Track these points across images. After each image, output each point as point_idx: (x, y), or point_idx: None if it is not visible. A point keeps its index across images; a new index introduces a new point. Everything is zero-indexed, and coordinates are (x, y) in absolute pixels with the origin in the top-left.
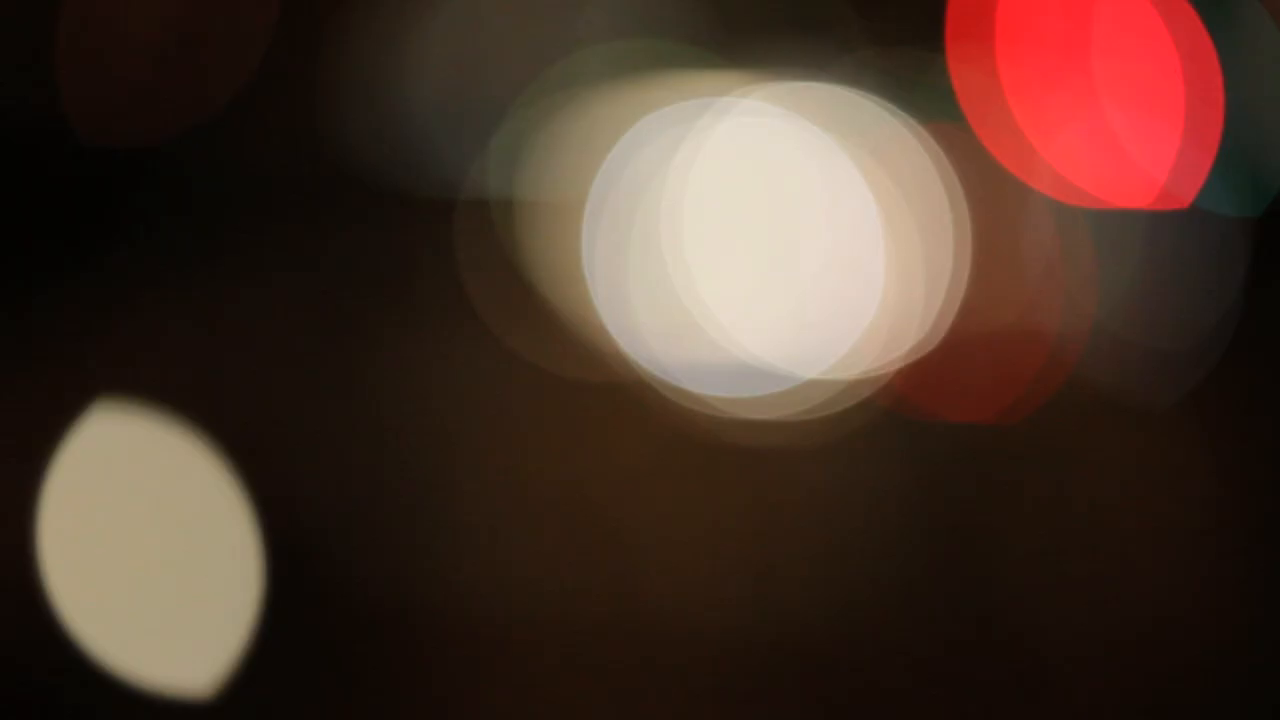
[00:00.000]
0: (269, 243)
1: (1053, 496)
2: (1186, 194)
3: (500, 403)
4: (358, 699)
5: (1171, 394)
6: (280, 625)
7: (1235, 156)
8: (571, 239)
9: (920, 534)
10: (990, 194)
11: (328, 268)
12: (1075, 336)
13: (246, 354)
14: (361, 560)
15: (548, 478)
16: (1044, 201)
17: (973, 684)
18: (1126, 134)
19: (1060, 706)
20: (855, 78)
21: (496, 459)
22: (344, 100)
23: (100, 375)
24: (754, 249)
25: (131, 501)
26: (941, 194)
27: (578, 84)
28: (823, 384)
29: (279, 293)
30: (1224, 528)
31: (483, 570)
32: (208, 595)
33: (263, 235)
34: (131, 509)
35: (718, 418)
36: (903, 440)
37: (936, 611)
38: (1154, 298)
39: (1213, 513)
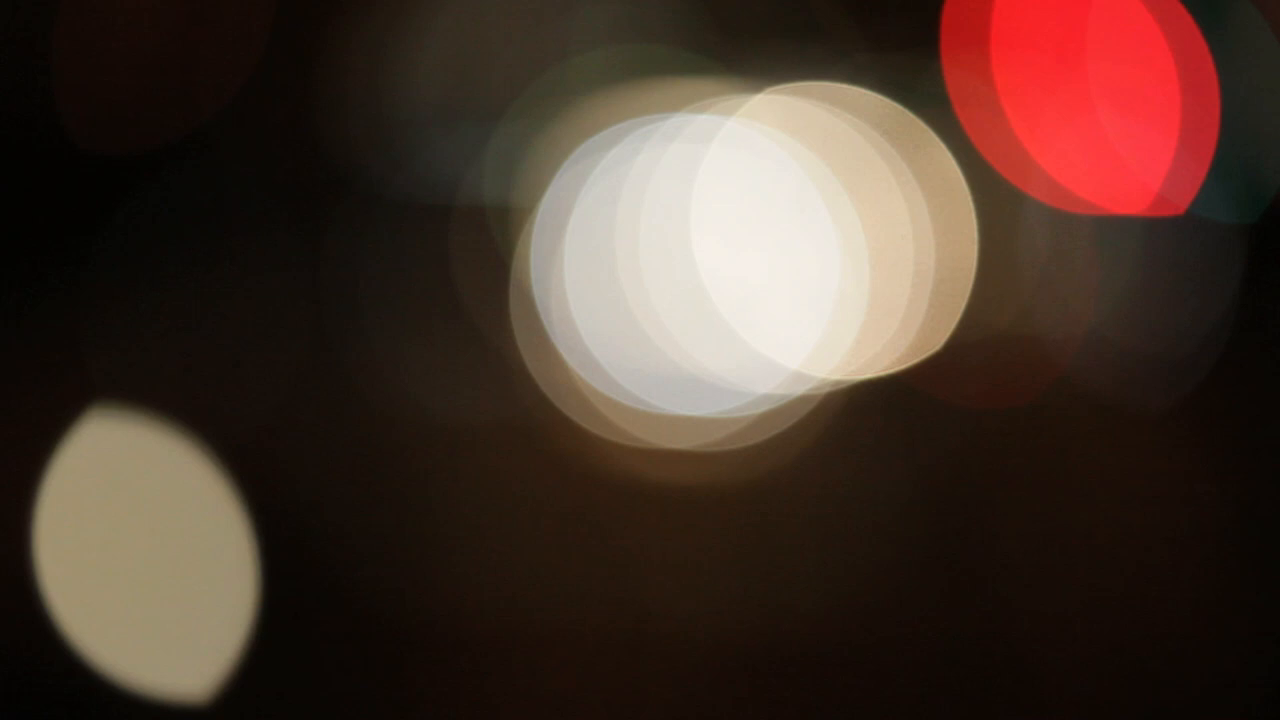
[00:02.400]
0: (264, 248)
1: (1049, 500)
2: (1182, 200)
3: (495, 408)
4: (354, 704)
5: (1167, 399)
6: (276, 629)
7: (1231, 162)
8: (562, 244)
9: (917, 538)
10: (985, 200)
11: (323, 273)
12: (1071, 342)
13: (242, 359)
14: (357, 564)
15: (544, 482)
16: (1039, 208)
17: (968, 687)
18: (1122, 140)
19: (1057, 708)
20: (850, 83)
21: (492, 463)
22: (339, 105)
23: (95, 380)
24: (747, 257)
25: (127, 506)
26: (935, 200)
27: (573, 89)
28: (819, 387)
29: (274, 298)
30: (1220, 532)
31: (479, 574)
32: (204, 599)
33: (258, 240)
34: (127, 513)
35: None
36: (901, 445)
37: (933, 614)
38: (1150, 304)
39: (1209, 517)
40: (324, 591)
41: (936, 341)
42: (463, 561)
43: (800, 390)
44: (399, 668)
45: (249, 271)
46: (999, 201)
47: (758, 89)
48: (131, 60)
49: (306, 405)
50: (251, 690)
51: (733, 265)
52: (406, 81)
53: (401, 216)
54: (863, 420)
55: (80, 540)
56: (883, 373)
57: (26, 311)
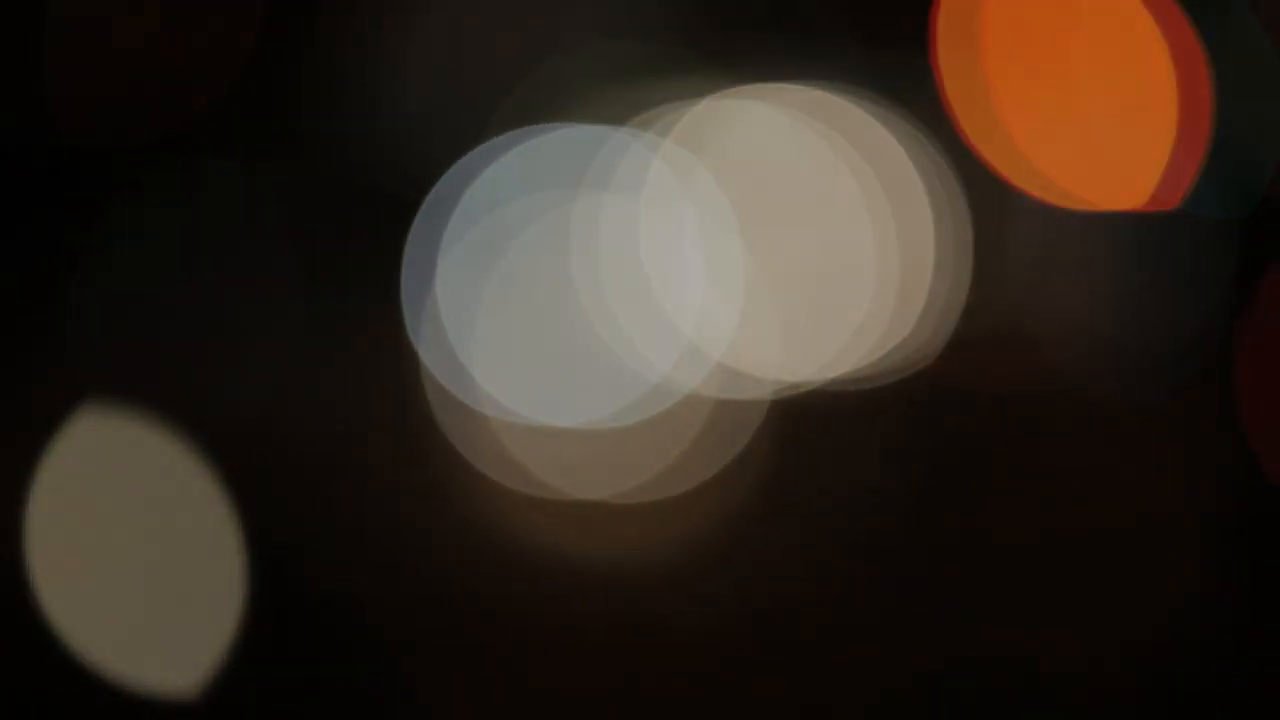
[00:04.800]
0: (252, 244)
1: (1042, 497)
2: (1176, 196)
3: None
4: (342, 700)
5: (1162, 395)
6: (264, 626)
7: (1224, 158)
8: (553, 242)
9: (912, 539)
10: (978, 198)
11: (312, 270)
12: (1065, 339)
13: (231, 356)
14: (346, 562)
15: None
16: (1033, 205)
17: (963, 693)
18: (1116, 136)
19: (1050, 706)
20: (842, 80)
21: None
22: (328, 103)
23: (85, 378)
24: (741, 253)
25: (116, 503)
26: (929, 198)
27: (562, 85)
28: (815, 387)
29: (263, 294)
30: (1214, 526)
31: (471, 573)
32: (193, 596)
33: (246, 237)
34: (116, 510)
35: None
36: (897, 443)
37: (928, 616)
38: (1143, 300)
39: (1203, 512)
40: (312, 589)
41: (930, 341)
42: (451, 558)
43: (776, 394)
44: (388, 664)
45: (237, 267)
46: (992, 198)
47: (747, 86)
48: (121, 56)
49: (297, 401)
50: (240, 687)
51: (702, 265)
52: (395, 79)
53: (393, 212)
54: (850, 422)
55: (71, 537)
56: (875, 373)
57: (15, 308)
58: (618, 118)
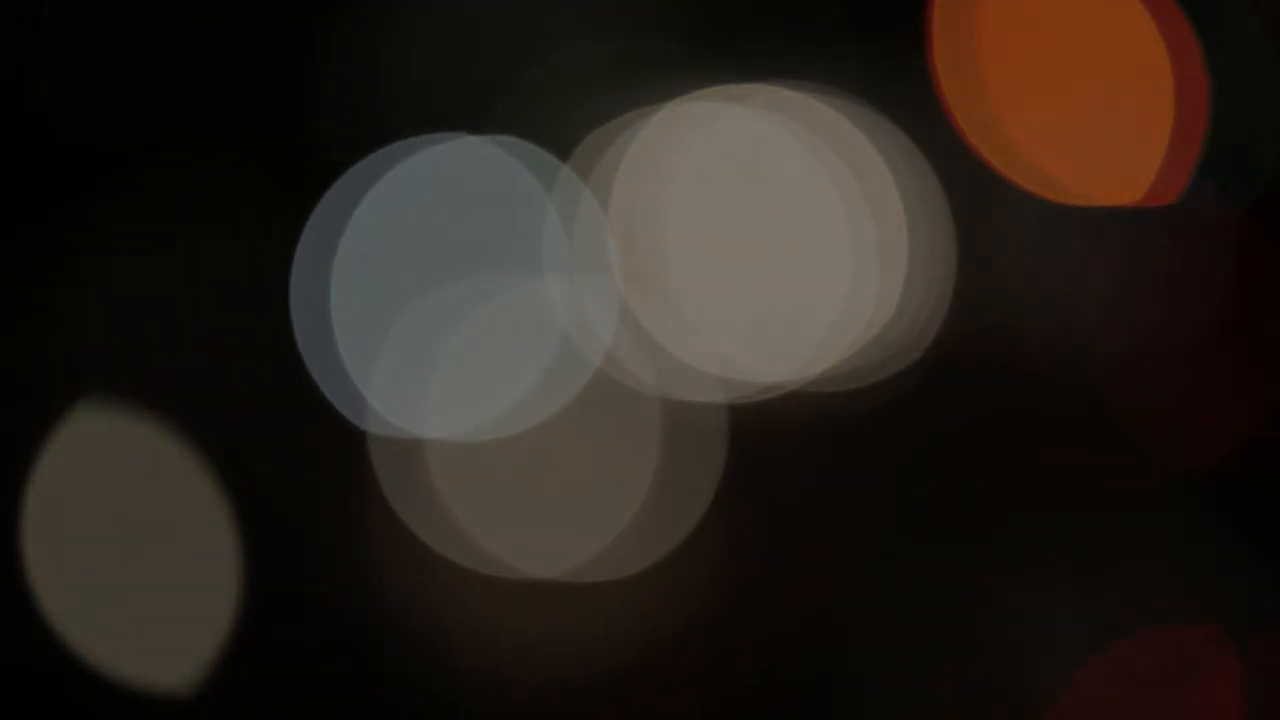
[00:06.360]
0: (252, 244)
1: (1039, 494)
2: (1172, 192)
3: (487, 404)
4: (337, 699)
5: (1157, 392)
6: (259, 624)
7: (1220, 154)
8: (550, 238)
9: (907, 538)
10: (974, 194)
11: (313, 270)
12: (1061, 336)
13: (229, 355)
14: (342, 562)
15: (537, 478)
16: (1029, 200)
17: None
18: (1112, 132)
19: (1050, 705)
20: (836, 77)
21: (484, 459)
22: (325, 103)
23: (85, 377)
24: (736, 250)
25: (112, 501)
26: (924, 193)
27: (557, 84)
28: (798, 386)
29: (263, 294)
30: (1213, 526)
31: (466, 573)
32: (189, 594)
33: (245, 237)
34: (115, 509)
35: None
36: (887, 443)
37: (923, 621)
38: (1139, 296)
39: (1206, 512)
40: (308, 588)
41: (919, 339)
42: (447, 557)
43: (759, 396)
44: (383, 664)
45: (237, 267)
46: (988, 194)
47: (742, 83)
48: (121, 56)
49: (295, 400)
50: (234, 685)
51: (728, 261)
52: (393, 78)
53: (389, 214)
54: (846, 419)
55: (68, 535)
56: (866, 370)
57: (15, 308)
58: (611, 114)
